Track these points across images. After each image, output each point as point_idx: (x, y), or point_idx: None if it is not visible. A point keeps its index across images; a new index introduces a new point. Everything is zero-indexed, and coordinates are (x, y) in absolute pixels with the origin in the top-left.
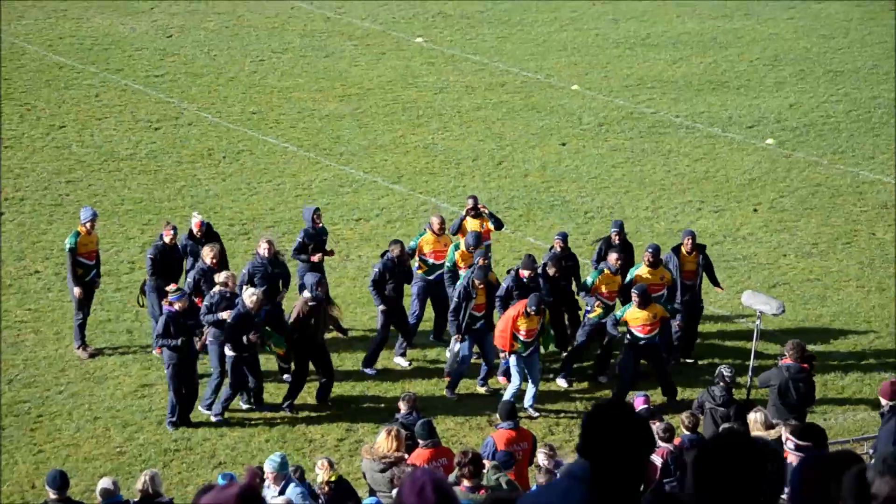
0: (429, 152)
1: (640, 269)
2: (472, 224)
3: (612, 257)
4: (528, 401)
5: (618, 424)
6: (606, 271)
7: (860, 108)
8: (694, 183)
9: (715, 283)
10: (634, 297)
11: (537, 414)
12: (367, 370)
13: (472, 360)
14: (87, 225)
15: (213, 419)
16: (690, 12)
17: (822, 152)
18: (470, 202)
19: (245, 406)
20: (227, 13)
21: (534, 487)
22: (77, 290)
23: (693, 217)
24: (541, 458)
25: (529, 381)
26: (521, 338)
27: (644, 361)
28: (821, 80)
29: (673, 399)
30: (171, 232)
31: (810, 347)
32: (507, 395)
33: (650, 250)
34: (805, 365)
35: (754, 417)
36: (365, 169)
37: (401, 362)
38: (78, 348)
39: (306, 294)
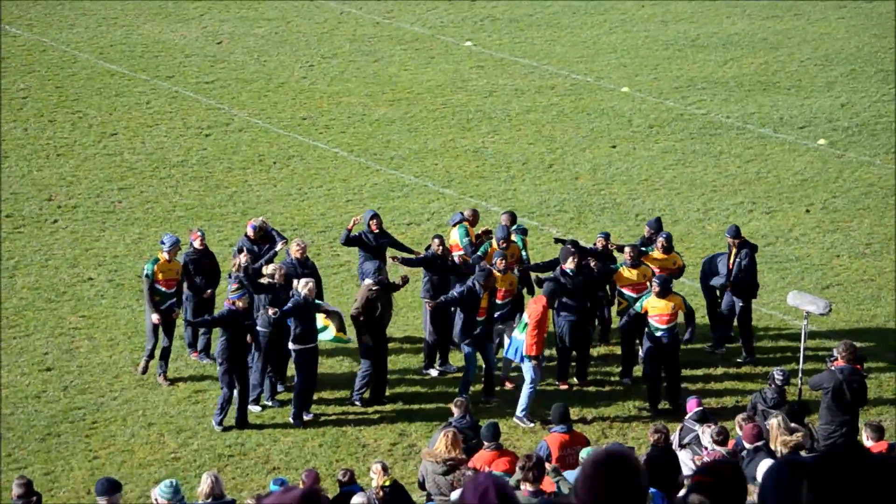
0: (479, 156)
1: (653, 254)
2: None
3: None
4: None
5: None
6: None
7: None
8: (745, 184)
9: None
10: (654, 287)
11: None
12: (430, 371)
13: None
14: (168, 253)
15: (304, 418)
16: (740, 13)
17: (874, 152)
18: (505, 219)
19: (270, 403)
20: (277, 19)
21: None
22: (155, 317)
23: (745, 218)
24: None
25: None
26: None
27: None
28: (872, 79)
29: (673, 403)
30: (199, 235)
31: (864, 348)
32: (522, 397)
33: (664, 237)
34: (858, 366)
35: (775, 423)
36: (415, 173)
37: (432, 372)
38: (143, 371)
39: (368, 280)
